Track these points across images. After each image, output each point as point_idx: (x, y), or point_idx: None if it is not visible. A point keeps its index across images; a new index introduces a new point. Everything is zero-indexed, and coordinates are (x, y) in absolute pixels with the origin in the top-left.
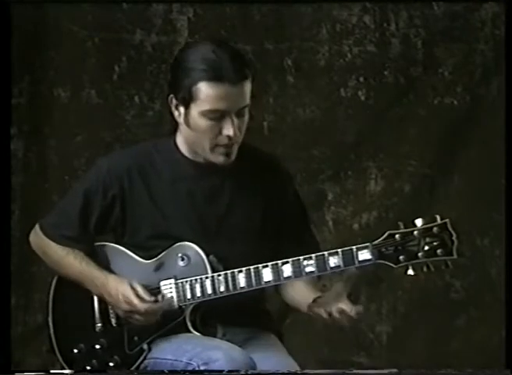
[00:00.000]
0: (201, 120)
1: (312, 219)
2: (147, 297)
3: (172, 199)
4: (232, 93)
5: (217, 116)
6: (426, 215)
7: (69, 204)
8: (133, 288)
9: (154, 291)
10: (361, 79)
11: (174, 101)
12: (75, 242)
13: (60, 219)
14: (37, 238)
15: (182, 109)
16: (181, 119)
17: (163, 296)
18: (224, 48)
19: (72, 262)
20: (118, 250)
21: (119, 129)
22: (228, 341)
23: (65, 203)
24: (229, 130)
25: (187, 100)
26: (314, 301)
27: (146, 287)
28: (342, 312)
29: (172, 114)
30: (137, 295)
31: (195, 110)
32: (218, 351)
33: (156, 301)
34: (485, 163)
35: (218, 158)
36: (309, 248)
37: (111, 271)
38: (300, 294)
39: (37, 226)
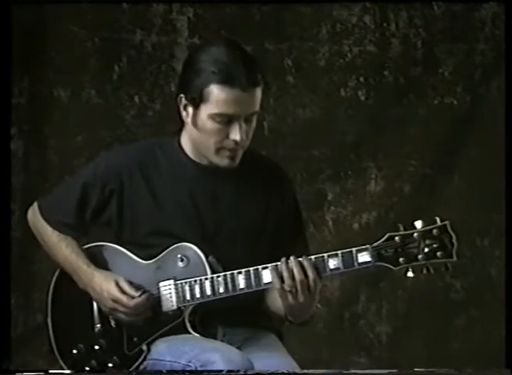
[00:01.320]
0: (209, 122)
1: (312, 219)
2: (133, 292)
3: (172, 198)
4: (243, 98)
5: (225, 120)
6: (426, 215)
7: (67, 193)
8: (118, 286)
9: (140, 287)
10: (361, 79)
11: (183, 101)
12: (70, 229)
13: (58, 206)
14: (35, 218)
15: (190, 110)
16: (189, 120)
17: (148, 292)
18: (238, 51)
19: (64, 250)
20: (117, 251)
21: (119, 129)
22: (228, 341)
23: (63, 191)
24: (236, 134)
25: (197, 101)
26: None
27: (132, 284)
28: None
29: (179, 114)
30: (123, 292)
31: (204, 112)
32: (216, 353)
33: (142, 295)
34: (485, 163)
35: (223, 161)
36: (298, 253)
37: (107, 269)
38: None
39: (35, 205)
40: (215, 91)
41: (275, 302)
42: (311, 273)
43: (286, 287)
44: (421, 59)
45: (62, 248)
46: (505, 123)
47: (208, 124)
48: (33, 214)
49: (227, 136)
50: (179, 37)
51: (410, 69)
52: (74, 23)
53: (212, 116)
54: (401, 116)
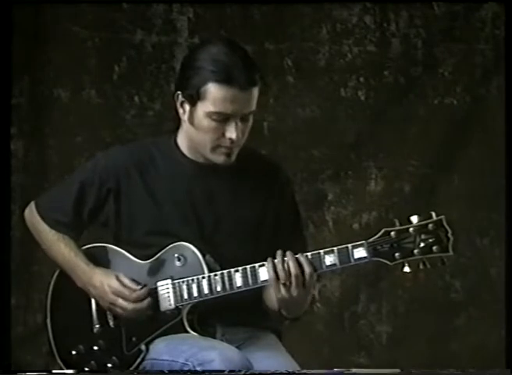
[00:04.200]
0: (206, 120)
1: (312, 219)
2: (134, 286)
3: (170, 197)
4: (240, 98)
5: (222, 119)
6: (426, 215)
7: (64, 191)
8: (119, 280)
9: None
10: (361, 79)
11: (180, 98)
12: (67, 228)
13: (55, 205)
14: (32, 217)
15: (187, 107)
16: (185, 117)
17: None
18: (236, 50)
19: (63, 249)
20: (115, 251)
21: (119, 129)
22: (227, 340)
23: (61, 190)
24: (232, 133)
25: (194, 99)
26: None
27: (134, 281)
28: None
29: (176, 111)
30: (125, 285)
31: (201, 110)
32: (213, 352)
33: (143, 288)
34: (485, 163)
35: (219, 158)
36: (297, 251)
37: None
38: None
39: (32, 205)
40: (213, 90)
41: (270, 296)
42: (306, 268)
43: (281, 280)
44: (421, 59)
45: (61, 247)
46: (505, 123)
47: (204, 122)
48: (30, 212)
49: (223, 134)
50: (179, 37)
51: (410, 69)
52: (74, 23)
53: (209, 114)
54: (401, 116)
